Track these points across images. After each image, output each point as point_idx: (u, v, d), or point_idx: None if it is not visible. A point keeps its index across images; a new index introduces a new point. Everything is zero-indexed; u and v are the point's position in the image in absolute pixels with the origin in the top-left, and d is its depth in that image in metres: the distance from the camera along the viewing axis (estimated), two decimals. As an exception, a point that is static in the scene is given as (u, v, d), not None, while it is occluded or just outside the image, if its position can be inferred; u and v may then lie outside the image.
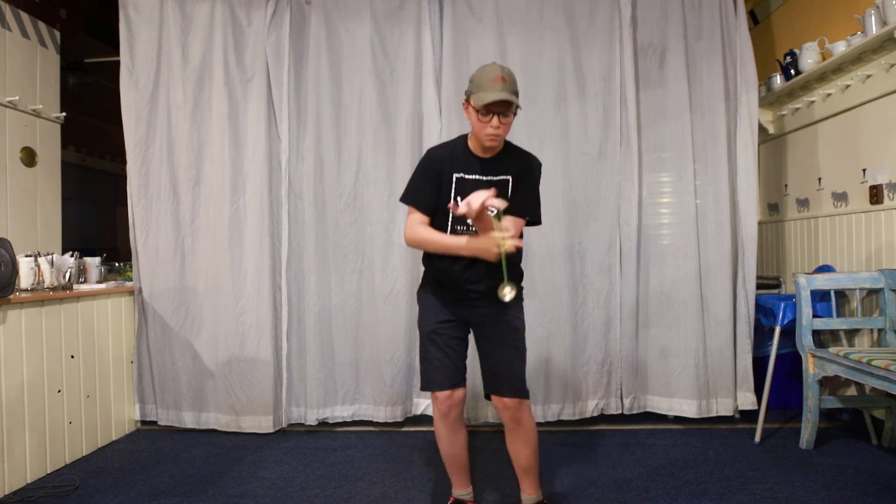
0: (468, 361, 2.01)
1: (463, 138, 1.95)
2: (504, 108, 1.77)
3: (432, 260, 1.97)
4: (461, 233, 1.88)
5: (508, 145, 1.95)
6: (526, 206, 1.91)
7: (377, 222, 3.02)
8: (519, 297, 1.94)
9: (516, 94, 1.79)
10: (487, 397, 1.97)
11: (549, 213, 2.97)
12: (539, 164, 1.97)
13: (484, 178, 1.88)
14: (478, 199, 1.61)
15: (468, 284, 1.90)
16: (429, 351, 1.95)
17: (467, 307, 1.95)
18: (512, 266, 1.85)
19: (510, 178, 1.89)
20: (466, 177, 1.88)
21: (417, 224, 1.88)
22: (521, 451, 1.94)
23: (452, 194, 1.88)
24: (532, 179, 1.94)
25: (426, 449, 2.72)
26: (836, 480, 2.29)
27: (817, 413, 2.60)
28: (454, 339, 1.95)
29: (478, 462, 2.53)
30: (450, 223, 1.90)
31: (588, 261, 3.03)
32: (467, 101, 1.83)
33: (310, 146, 3.04)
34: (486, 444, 2.77)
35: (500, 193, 1.79)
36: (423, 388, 1.98)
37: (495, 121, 1.77)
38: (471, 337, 2.03)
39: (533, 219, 1.94)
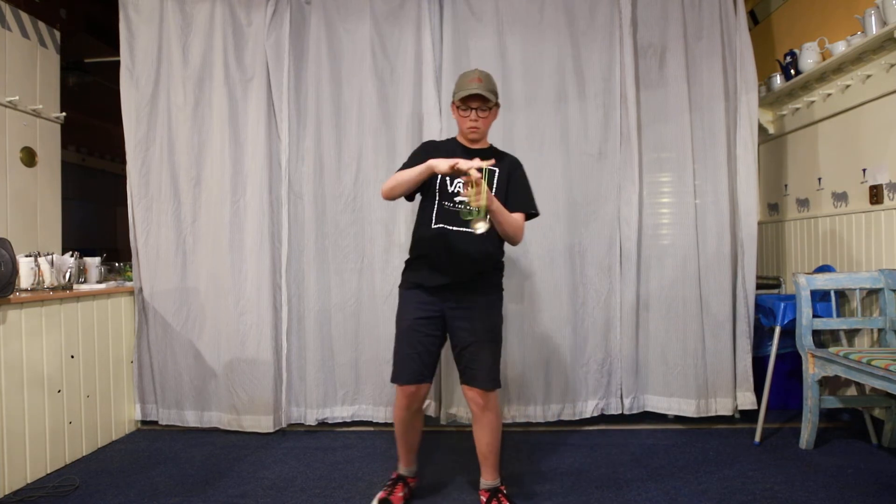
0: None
1: (454, 137, 2.21)
2: (480, 103, 2.03)
3: (419, 247, 2.11)
4: (449, 209, 2.04)
5: (493, 147, 2.19)
6: (523, 200, 2.09)
7: (377, 222, 3.02)
8: (499, 290, 2.16)
9: (493, 93, 2.06)
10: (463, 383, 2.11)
11: (549, 213, 3.00)
12: (520, 163, 2.17)
13: None
14: (467, 163, 1.81)
15: (451, 271, 2.03)
16: (403, 347, 2.08)
17: (447, 299, 2.06)
18: (491, 258, 2.10)
19: (496, 170, 2.08)
20: None
21: (397, 173, 2.02)
22: (484, 438, 2.08)
23: (439, 178, 2.04)
24: (519, 175, 2.13)
25: (426, 449, 2.71)
26: (836, 480, 2.29)
27: (817, 413, 2.60)
28: (429, 336, 2.07)
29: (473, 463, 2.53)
30: (437, 201, 2.06)
31: (588, 261, 3.03)
32: (453, 102, 2.10)
33: (310, 146, 3.04)
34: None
35: (487, 181, 1.97)
36: (392, 380, 2.10)
37: (474, 115, 2.04)
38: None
39: (532, 210, 2.11)
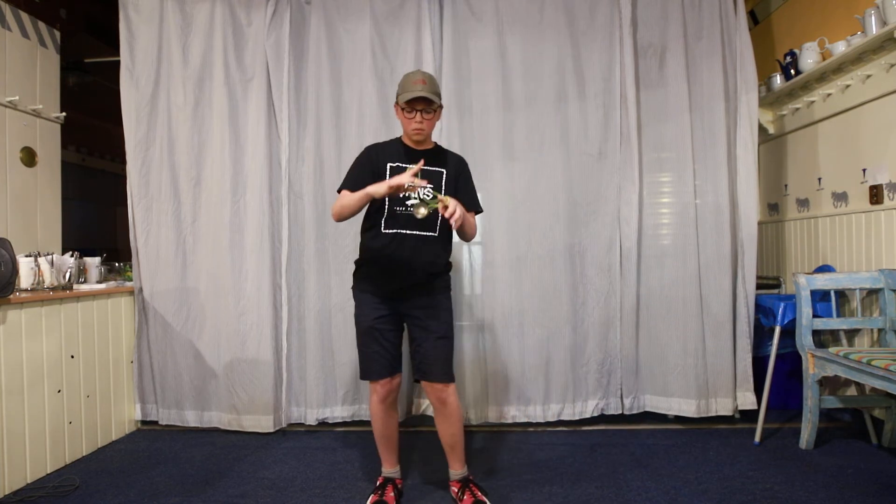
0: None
1: (398, 138, 2.20)
2: (425, 105, 2.03)
3: (371, 253, 2.12)
4: (402, 213, 2.06)
5: (438, 146, 2.21)
6: (472, 199, 2.18)
7: (377, 222, 3.02)
8: (449, 289, 2.20)
9: (437, 95, 2.06)
10: (416, 381, 2.17)
11: (549, 213, 3.00)
12: (466, 162, 2.23)
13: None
14: (400, 179, 1.89)
15: (404, 275, 2.07)
16: (367, 345, 2.11)
17: (402, 300, 2.11)
18: (443, 259, 2.14)
19: (444, 171, 2.12)
20: (402, 165, 2.08)
21: (341, 197, 2.07)
22: (447, 429, 2.13)
23: (387, 179, 2.03)
24: (467, 175, 2.20)
25: (426, 449, 2.72)
26: (836, 480, 2.29)
27: (817, 413, 2.60)
28: (390, 331, 2.12)
29: (473, 462, 2.53)
30: (387, 205, 2.06)
31: (588, 261, 3.03)
32: (397, 103, 2.08)
33: (310, 146, 3.04)
34: (486, 443, 2.77)
35: (435, 182, 2.08)
36: (363, 377, 2.15)
37: (419, 116, 2.03)
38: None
39: (480, 208, 2.21)
